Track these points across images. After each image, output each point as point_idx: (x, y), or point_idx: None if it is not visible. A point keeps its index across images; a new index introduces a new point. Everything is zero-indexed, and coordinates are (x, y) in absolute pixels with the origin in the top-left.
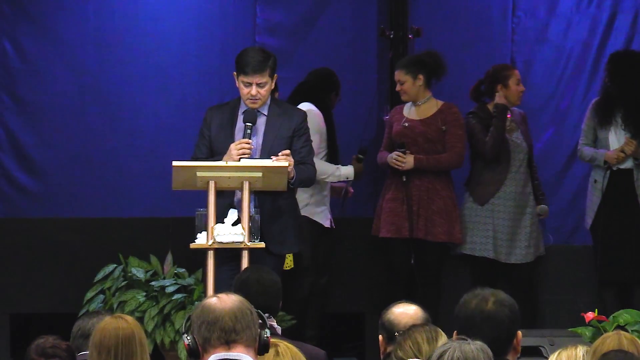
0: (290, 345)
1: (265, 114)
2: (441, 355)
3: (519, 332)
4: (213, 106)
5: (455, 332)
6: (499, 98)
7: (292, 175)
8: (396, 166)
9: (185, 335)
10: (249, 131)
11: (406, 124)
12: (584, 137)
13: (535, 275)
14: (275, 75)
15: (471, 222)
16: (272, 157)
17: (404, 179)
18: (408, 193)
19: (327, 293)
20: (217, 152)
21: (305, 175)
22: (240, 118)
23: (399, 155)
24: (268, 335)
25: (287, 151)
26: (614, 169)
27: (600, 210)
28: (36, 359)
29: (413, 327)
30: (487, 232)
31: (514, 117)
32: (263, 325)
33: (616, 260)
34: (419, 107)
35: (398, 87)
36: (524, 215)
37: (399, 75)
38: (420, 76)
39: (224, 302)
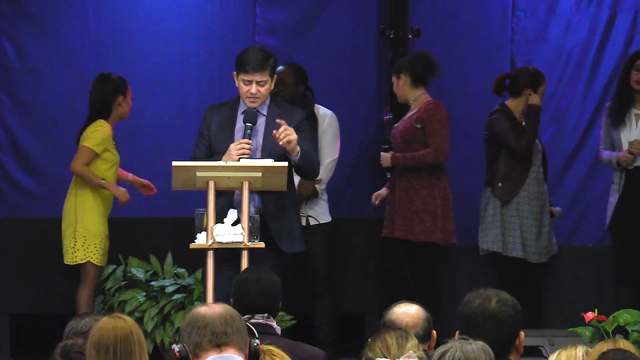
0: (284, 356)
1: (265, 114)
2: (442, 355)
3: (522, 333)
4: (212, 106)
5: (457, 332)
6: (532, 99)
7: (297, 150)
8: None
9: (174, 345)
10: (248, 131)
11: (395, 125)
12: (602, 142)
13: (544, 275)
14: (275, 75)
15: (496, 221)
16: (277, 120)
17: (389, 176)
18: (392, 193)
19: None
20: (216, 152)
21: (310, 159)
22: (240, 118)
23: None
24: (258, 344)
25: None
26: (630, 168)
27: (618, 210)
28: None
29: (384, 330)
30: (515, 231)
31: None
32: (252, 335)
33: (633, 260)
34: (410, 106)
35: None
36: (544, 214)
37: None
38: (403, 76)
39: (213, 308)
